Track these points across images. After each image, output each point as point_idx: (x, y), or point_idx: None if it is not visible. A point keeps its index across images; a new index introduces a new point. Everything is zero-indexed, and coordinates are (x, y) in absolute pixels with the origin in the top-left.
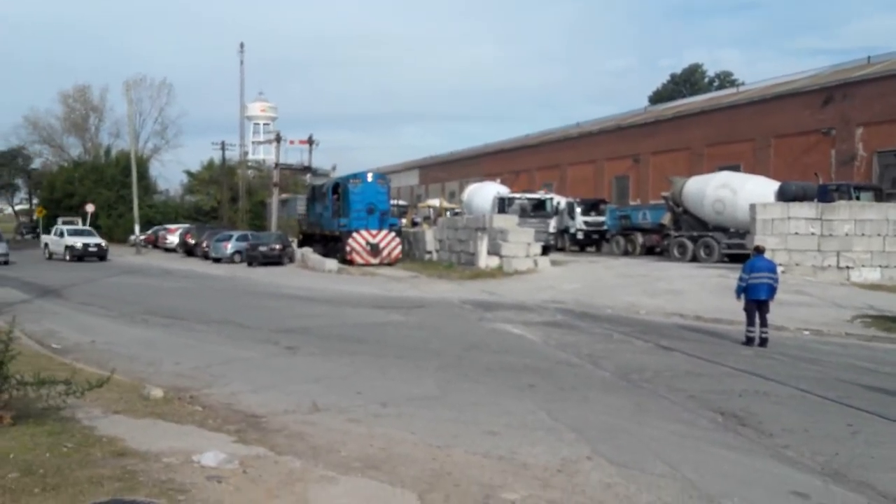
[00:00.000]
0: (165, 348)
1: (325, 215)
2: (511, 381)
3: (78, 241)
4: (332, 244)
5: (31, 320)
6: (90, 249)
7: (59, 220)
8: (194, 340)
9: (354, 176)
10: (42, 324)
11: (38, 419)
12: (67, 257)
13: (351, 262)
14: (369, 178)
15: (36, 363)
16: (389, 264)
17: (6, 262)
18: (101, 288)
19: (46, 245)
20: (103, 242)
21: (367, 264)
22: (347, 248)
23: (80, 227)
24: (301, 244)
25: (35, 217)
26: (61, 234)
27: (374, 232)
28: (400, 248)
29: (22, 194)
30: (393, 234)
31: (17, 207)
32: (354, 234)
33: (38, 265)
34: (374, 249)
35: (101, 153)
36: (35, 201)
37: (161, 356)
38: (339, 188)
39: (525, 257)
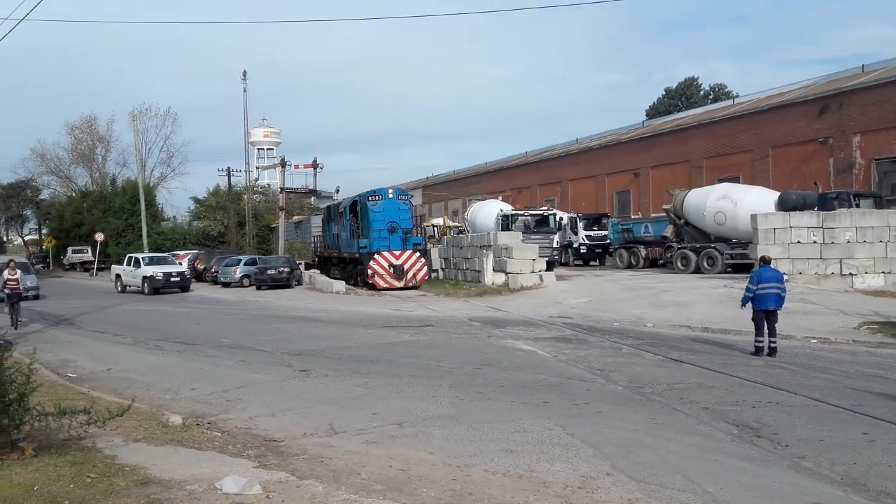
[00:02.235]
0: (181, 374)
1: (342, 236)
2: (524, 397)
3: (158, 271)
4: (351, 267)
5: (45, 350)
6: (172, 279)
7: (69, 249)
8: (209, 365)
9: (374, 192)
10: (56, 353)
11: (59, 449)
12: (146, 290)
13: (374, 287)
14: (390, 194)
15: (53, 393)
16: (415, 287)
17: (37, 297)
18: (114, 315)
19: (118, 277)
20: (186, 270)
21: (392, 288)
22: (369, 272)
23: (156, 254)
24: (317, 268)
25: (45, 247)
26: (137, 264)
27: (397, 253)
28: (426, 269)
29: (31, 225)
30: (418, 254)
31: (27, 238)
32: (376, 256)
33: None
34: (398, 272)
35: (107, 183)
36: (44, 232)
37: (177, 382)
38: (357, 206)
39: (530, 273)
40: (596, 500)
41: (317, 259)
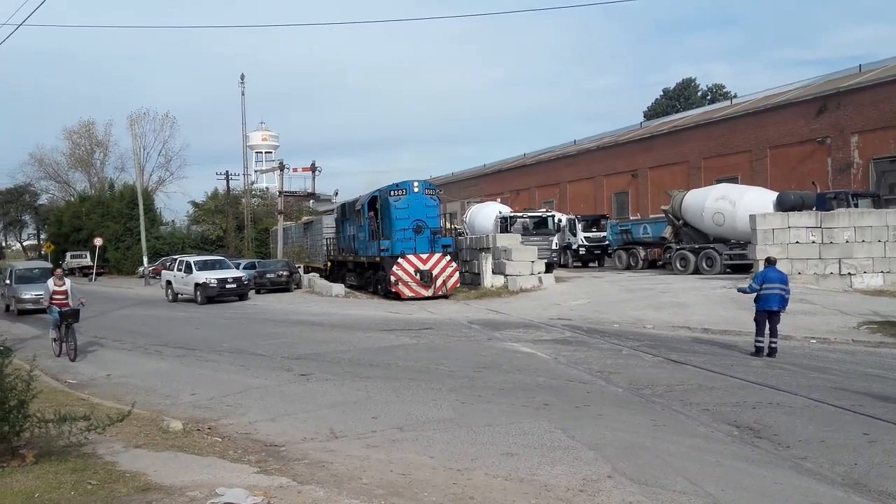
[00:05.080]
0: (181, 379)
1: (360, 238)
2: (525, 400)
3: (212, 277)
4: (370, 273)
5: (45, 356)
6: (228, 286)
7: (68, 254)
8: (209, 370)
9: (396, 186)
10: (56, 359)
11: (60, 456)
12: (199, 299)
13: (398, 296)
14: (415, 187)
15: (53, 399)
16: (444, 296)
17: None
18: (113, 320)
19: (169, 283)
20: (244, 275)
21: (419, 297)
22: (392, 279)
23: (209, 257)
24: (330, 275)
25: (44, 252)
26: (188, 269)
27: (424, 256)
28: (457, 274)
29: (30, 230)
30: (448, 258)
31: (26, 243)
32: (400, 261)
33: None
34: (426, 278)
35: (106, 187)
36: (43, 237)
37: (177, 388)
38: (377, 203)
39: (529, 275)
40: (597, 502)
41: (329, 264)
